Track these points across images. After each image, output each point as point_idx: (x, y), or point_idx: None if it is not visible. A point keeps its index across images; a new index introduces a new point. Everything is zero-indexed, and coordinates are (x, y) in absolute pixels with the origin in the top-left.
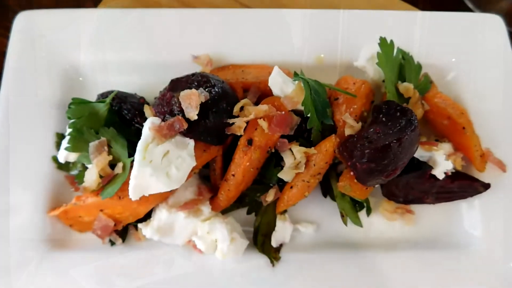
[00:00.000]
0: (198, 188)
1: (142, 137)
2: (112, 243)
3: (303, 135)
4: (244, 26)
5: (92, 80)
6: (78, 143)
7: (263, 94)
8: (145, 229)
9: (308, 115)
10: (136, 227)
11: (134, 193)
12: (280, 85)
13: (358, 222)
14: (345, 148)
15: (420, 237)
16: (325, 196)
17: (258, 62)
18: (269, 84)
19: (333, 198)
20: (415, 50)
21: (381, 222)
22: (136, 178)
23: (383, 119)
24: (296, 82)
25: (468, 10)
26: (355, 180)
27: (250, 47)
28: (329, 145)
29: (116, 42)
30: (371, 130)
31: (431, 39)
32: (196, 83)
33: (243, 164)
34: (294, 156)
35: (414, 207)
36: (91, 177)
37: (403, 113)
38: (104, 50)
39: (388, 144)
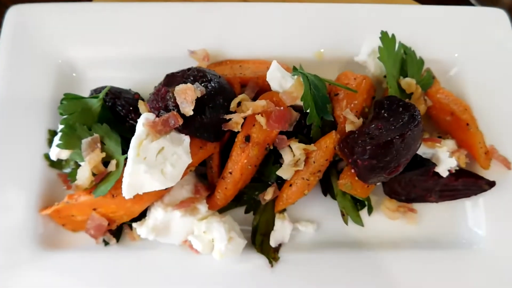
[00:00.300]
0: (194, 186)
1: (136, 133)
2: (106, 243)
3: (303, 131)
4: (242, 20)
5: (86, 75)
6: (70, 140)
7: (261, 89)
8: (140, 229)
9: (308, 111)
10: (130, 227)
11: (127, 191)
12: (279, 80)
13: (359, 221)
14: (345, 144)
15: (423, 236)
16: (325, 194)
17: (257, 57)
18: (267, 79)
19: (334, 197)
20: (417, 45)
21: (383, 221)
22: (129, 175)
23: (385, 114)
24: (295, 77)
25: (470, 5)
26: (356, 178)
27: (249, 41)
28: (329, 141)
29: (111, 36)
30: (373, 126)
31: (433, 33)
32: (192, 78)
33: (241, 162)
34: (293, 153)
35: (417, 206)
36: (84, 175)
37: (405, 108)
38: (99, 44)
39: (390, 140)
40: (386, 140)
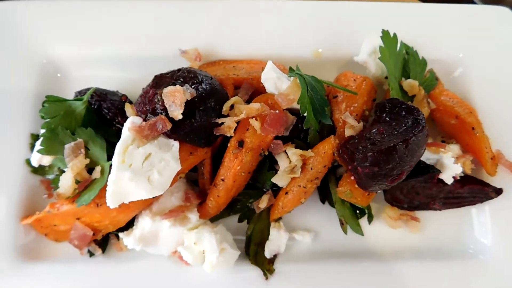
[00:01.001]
0: (185, 193)
1: (121, 139)
2: (91, 254)
3: (299, 136)
4: (236, 18)
5: (72, 76)
6: (52, 145)
7: (256, 91)
8: (127, 239)
9: (305, 114)
10: (117, 237)
11: (112, 200)
12: (274, 81)
13: (358, 230)
14: (345, 150)
15: (426, 246)
16: (323, 202)
17: (252, 57)
18: (262, 80)
19: (332, 204)
20: (420, 45)
21: (384, 230)
22: (114, 183)
23: (387, 118)
24: (292, 78)
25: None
26: (356, 186)
27: (243, 41)
28: (327, 147)
29: (99, 35)
30: (374, 130)
31: (436, 32)
32: (181, 79)
33: (234, 168)
34: (289, 159)
35: (420, 214)
36: (66, 182)
37: (409, 112)
38: (85, 43)
39: (393, 146)
40: (389, 146)
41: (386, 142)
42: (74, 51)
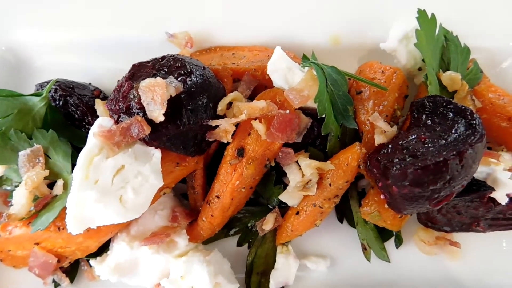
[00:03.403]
0: (171, 211)
1: (85, 147)
2: (56, 284)
3: (315, 143)
4: None
5: (36, 66)
6: (3, 152)
7: (260, 85)
8: (99, 267)
9: (323, 116)
10: (89, 262)
11: (74, 225)
12: (284, 72)
13: (384, 256)
14: (375, 163)
15: (467, 276)
16: (341, 221)
17: (255, 43)
18: (269, 71)
19: (352, 224)
20: (461, 29)
21: (415, 256)
22: (76, 205)
23: (428, 121)
24: (306, 69)
25: None
26: (386, 206)
27: (245, 23)
28: (351, 157)
29: (69, 15)
30: (413, 137)
31: (481, 15)
32: (165, 69)
33: (231, 183)
34: (302, 172)
35: (459, 237)
36: (20, 200)
37: (458, 114)
38: (52, 26)
39: (443, 160)
40: (437, 161)
41: (433, 155)
42: (39, 36)
